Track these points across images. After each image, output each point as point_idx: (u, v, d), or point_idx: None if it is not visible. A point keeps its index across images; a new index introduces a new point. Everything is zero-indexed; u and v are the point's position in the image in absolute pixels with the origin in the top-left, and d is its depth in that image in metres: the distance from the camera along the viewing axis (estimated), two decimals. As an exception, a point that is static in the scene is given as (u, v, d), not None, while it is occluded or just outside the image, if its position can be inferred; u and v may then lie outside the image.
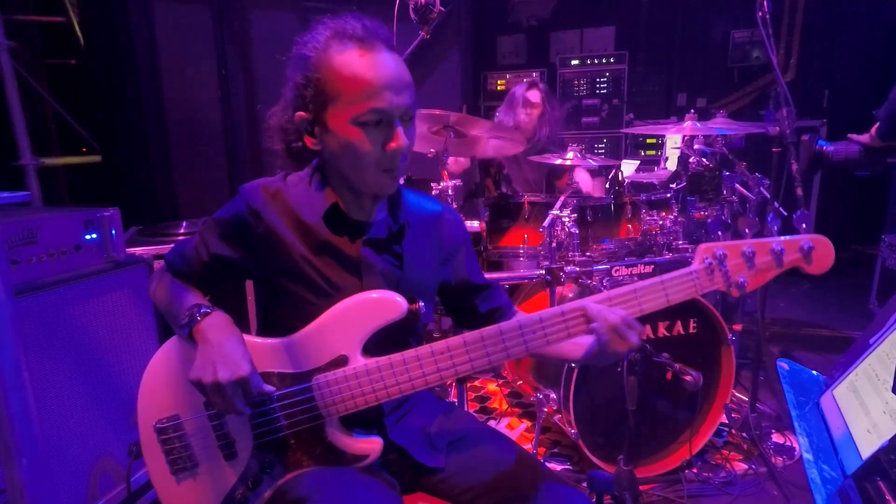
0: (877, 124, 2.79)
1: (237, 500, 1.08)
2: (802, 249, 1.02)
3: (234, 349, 1.02)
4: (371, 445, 1.09)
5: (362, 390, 1.05)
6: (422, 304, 1.10)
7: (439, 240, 1.23)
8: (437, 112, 2.31)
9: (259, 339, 1.10)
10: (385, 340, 1.09)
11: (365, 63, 1.00)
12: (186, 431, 1.10)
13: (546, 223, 2.18)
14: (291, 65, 1.07)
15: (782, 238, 1.04)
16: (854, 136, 2.83)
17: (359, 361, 1.06)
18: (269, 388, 1.05)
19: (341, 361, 1.06)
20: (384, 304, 1.07)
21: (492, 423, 2.56)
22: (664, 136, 3.49)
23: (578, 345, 1.11)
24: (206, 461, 1.10)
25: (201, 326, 1.05)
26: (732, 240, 1.06)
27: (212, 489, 1.10)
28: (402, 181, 1.21)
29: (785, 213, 2.39)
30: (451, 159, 2.93)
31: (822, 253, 1.03)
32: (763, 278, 1.04)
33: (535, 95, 3.16)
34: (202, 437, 1.10)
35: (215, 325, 1.06)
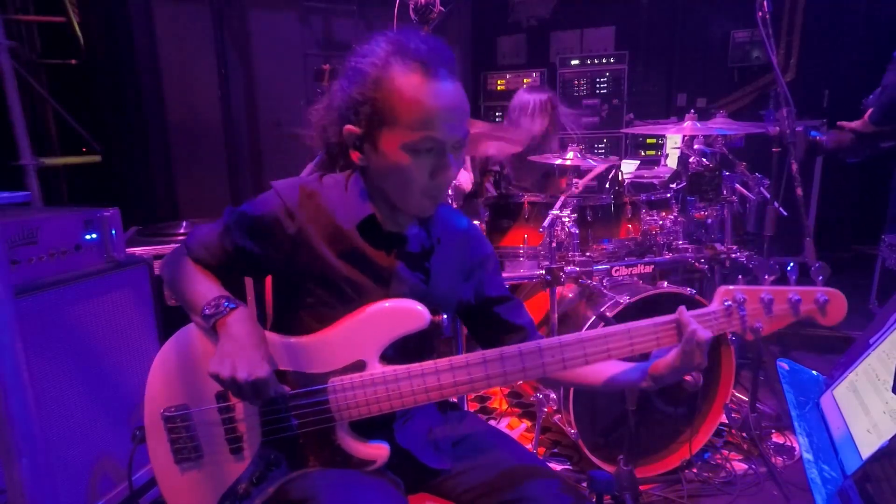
0: (870, 111, 2.81)
1: (239, 494, 1.08)
2: (818, 301, 1.07)
3: (255, 349, 1.00)
4: (379, 452, 1.09)
5: (377, 397, 1.05)
6: (445, 316, 1.10)
7: (463, 257, 1.23)
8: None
9: (277, 336, 1.09)
10: (403, 349, 1.09)
11: (428, 91, 0.98)
12: (194, 422, 1.09)
13: (546, 223, 2.18)
14: (347, 76, 1.04)
15: (799, 288, 1.08)
16: (845, 123, 2.85)
17: (376, 368, 1.06)
18: (283, 388, 1.05)
19: (359, 366, 1.06)
20: (408, 313, 1.07)
21: (492, 423, 2.56)
22: (664, 136, 3.49)
23: (616, 366, 1.13)
24: (211, 453, 1.10)
25: (227, 321, 1.03)
26: (750, 285, 1.11)
27: (213, 482, 1.09)
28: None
29: (785, 213, 2.39)
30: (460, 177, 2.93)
31: (835, 306, 1.08)
32: (777, 325, 1.08)
33: (546, 105, 3.14)
34: (210, 429, 1.09)
35: (240, 320, 1.03)
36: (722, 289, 1.07)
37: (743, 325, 1.07)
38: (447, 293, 1.20)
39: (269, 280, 1.31)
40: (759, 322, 1.07)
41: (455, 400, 2.29)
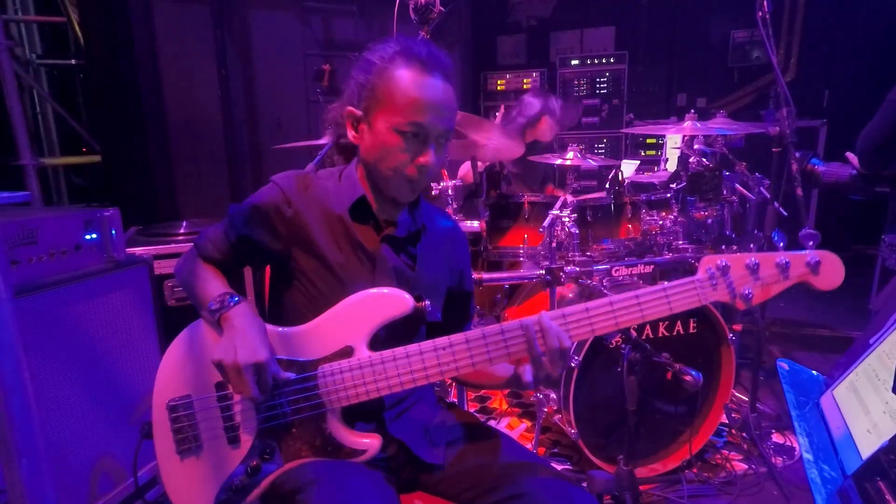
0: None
1: (236, 486, 1.09)
2: (809, 264, 1.03)
3: (255, 336, 1.07)
4: (370, 442, 1.10)
5: (364, 381, 1.08)
6: (428, 302, 1.14)
7: (450, 253, 1.31)
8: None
9: (271, 327, 1.13)
10: (393, 336, 1.13)
11: (419, 82, 1.11)
12: (196, 411, 1.12)
13: (546, 223, 2.18)
14: (357, 66, 1.18)
15: (787, 252, 1.05)
16: (851, 156, 2.70)
17: (364, 354, 1.09)
18: (287, 374, 1.09)
19: (347, 352, 1.10)
20: (391, 299, 1.11)
21: (492, 422, 2.56)
22: (664, 136, 3.49)
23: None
24: (210, 443, 1.12)
25: (230, 314, 1.10)
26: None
27: (212, 473, 1.11)
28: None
29: (785, 213, 2.38)
30: (462, 169, 2.92)
31: (830, 268, 1.03)
32: (770, 291, 1.05)
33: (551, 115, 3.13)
34: (209, 418, 1.12)
35: (242, 313, 1.11)
36: (705, 258, 1.06)
37: (731, 292, 1.05)
38: (433, 279, 1.26)
39: (267, 272, 1.37)
40: (747, 288, 1.04)
41: (454, 399, 2.30)
